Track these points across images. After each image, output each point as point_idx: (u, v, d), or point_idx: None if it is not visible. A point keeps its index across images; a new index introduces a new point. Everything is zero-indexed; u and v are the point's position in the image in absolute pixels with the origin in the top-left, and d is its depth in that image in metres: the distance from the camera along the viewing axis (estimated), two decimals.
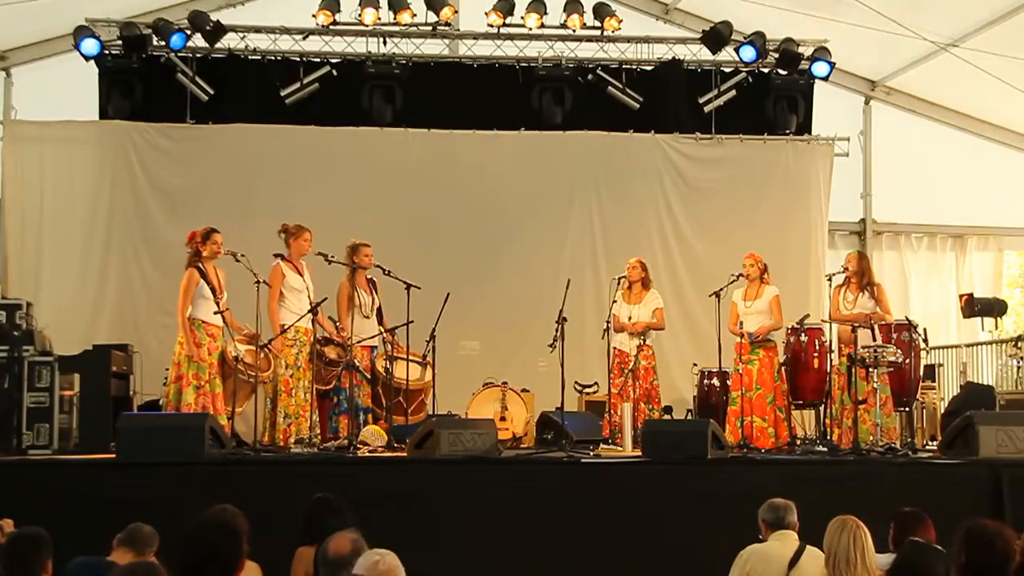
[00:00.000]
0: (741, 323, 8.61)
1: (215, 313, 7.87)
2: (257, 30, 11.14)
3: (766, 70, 11.56)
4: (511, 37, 11.31)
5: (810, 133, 11.69)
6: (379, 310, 8.68)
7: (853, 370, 8.10)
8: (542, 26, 11.11)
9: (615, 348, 9.01)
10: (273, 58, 11.18)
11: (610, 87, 11.35)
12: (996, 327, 11.39)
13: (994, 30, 10.47)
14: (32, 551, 4.19)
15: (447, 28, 11.18)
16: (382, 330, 8.51)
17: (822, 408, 8.67)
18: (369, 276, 8.66)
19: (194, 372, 7.75)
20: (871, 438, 7.84)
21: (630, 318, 9.05)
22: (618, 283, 9.15)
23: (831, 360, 8.31)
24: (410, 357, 8.41)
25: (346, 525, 4.41)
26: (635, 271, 9.15)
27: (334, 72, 11.16)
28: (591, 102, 11.42)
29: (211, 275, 7.94)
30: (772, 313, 8.68)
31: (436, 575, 6.01)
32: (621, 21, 11.10)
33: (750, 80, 11.60)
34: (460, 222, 11.11)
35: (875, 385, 7.92)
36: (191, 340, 7.75)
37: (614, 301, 9.10)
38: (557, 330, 8.30)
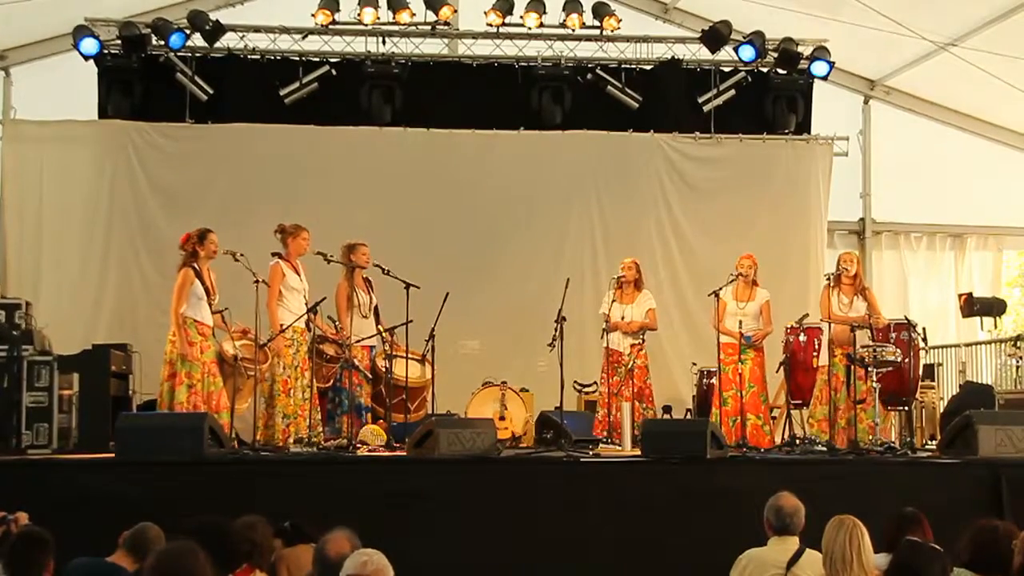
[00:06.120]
0: (740, 322, 8.61)
1: (211, 313, 7.87)
2: (256, 30, 11.14)
3: (765, 69, 11.56)
4: (510, 36, 11.31)
5: (809, 133, 11.69)
6: (376, 309, 8.68)
7: (852, 370, 8.09)
8: (541, 25, 11.11)
9: (609, 348, 9.02)
10: (272, 58, 11.17)
11: (609, 87, 11.35)
12: (995, 326, 11.38)
13: (993, 30, 10.47)
14: (34, 552, 4.20)
15: (446, 28, 11.18)
16: (381, 330, 8.50)
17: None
18: (365, 275, 8.66)
19: (187, 371, 7.71)
20: (870, 437, 7.84)
21: (623, 318, 9.06)
22: (616, 283, 9.15)
23: (830, 359, 8.27)
24: (409, 355, 8.42)
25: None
26: (631, 271, 9.15)
27: (333, 72, 11.15)
28: (590, 102, 11.42)
29: (205, 276, 7.92)
30: (764, 317, 8.73)
31: (435, 574, 6.05)
32: (620, 20, 11.11)
33: (749, 80, 11.59)
34: (459, 221, 11.10)
35: (874, 384, 7.91)
36: (184, 339, 7.71)
37: (612, 301, 9.09)
38: (556, 329, 8.31)
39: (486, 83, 11.42)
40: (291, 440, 7.95)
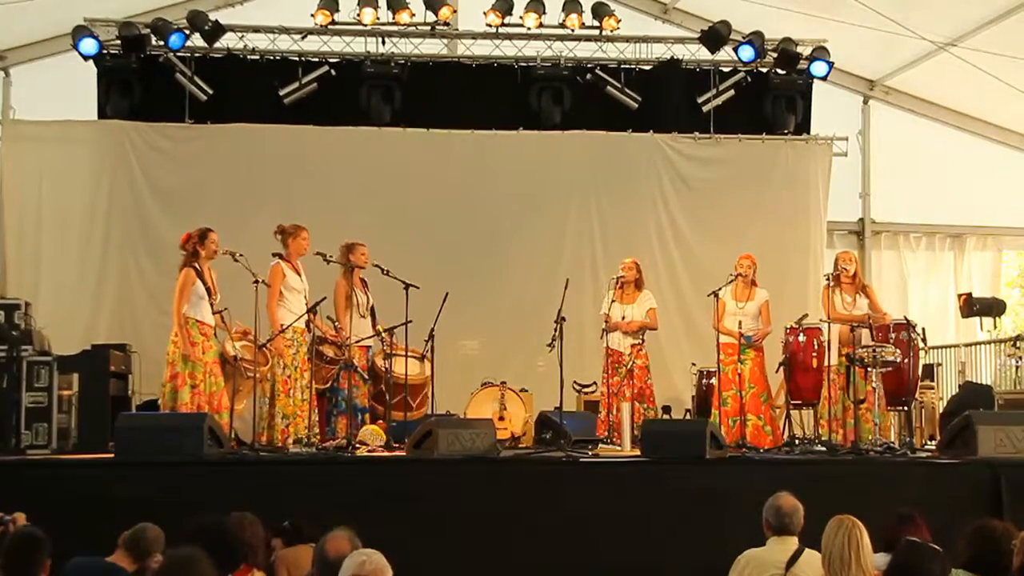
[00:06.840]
0: (740, 322, 8.61)
1: (212, 313, 7.87)
2: (256, 30, 11.14)
3: (765, 70, 11.57)
4: (510, 37, 11.31)
5: (809, 133, 11.70)
6: (372, 309, 8.67)
7: (853, 370, 8.09)
8: (541, 26, 11.12)
9: (609, 348, 9.01)
10: (272, 58, 11.18)
11: (608, 87, 11.36)
12: (995, 327, 11.39)
13: (993, 30, 10.48)
14: (31, 551, 4.20)
15: (446, 28, 11.19)
16: (380, 330, 8.50)
17: (815, 408, 8.68)
18: (361, 275, 8.66)
19: (189, 371, 7.69)
20: (871, 438, 7.84)
21: (623, 318, 9.05)
22: (616, 283, 9.15)
23: (828, 360, 8.28)
24: (408, 353, 8.42)
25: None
26: (631, 271, 9.14)
27: (332, 72, 11.15)
28: (590, 102, 11.43)
29: (206, 276, 7.92)
30: (763, 317, 8.73)
31: (435, 574, 6.05)
32: (620, 21, 11.11)
33: (749, 80, 11.61)
34: (459, 222, 11.11)
35: (874, 385, 7.92)
36: (186, 339, 7.68)
37: (612, 301, 9.09)
38: (556, 330, 8.30)
39: (485, 83, 11.43)
40: (290, 440, 7.95)
